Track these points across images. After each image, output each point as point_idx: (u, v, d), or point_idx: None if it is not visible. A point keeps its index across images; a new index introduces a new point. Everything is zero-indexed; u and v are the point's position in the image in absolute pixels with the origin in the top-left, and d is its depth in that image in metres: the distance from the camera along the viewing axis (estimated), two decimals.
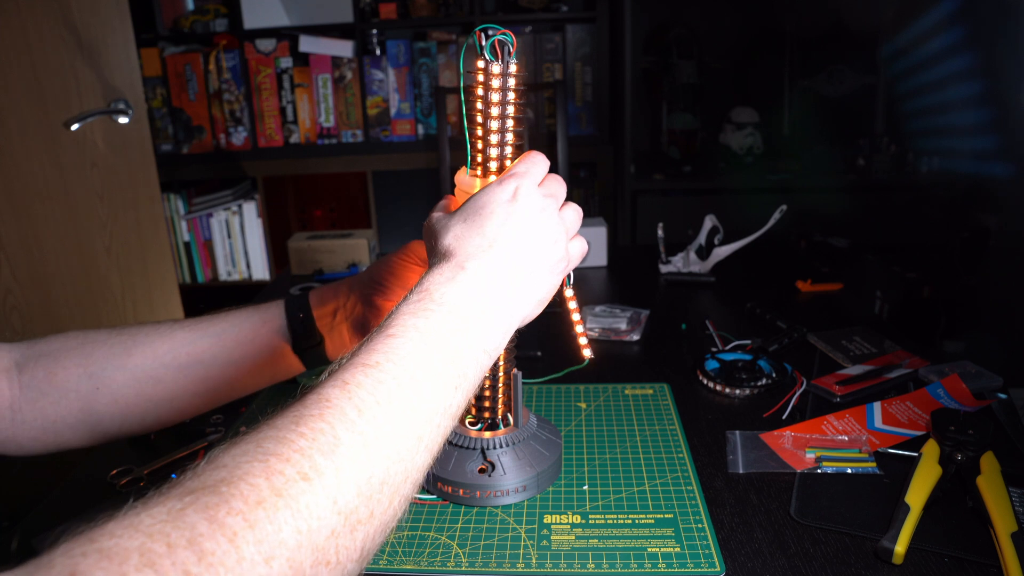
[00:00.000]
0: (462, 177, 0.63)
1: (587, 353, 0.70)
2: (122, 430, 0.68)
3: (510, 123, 0.61)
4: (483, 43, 0.57)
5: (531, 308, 0.55)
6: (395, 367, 0.43)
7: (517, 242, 0.53)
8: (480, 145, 0.61)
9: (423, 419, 0.44)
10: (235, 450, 0.37)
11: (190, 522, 0.32)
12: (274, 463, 0.36)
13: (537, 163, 0.58)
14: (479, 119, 0.61)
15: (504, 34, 0.57)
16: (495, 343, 0.51)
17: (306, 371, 0.90)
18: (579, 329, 0.70)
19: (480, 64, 0.59)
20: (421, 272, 0.66)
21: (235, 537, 0.32)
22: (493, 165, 0.62)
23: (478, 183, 0.62)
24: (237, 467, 0.35)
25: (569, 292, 0.68)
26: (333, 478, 0.37)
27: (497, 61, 0.58)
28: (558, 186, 0.58)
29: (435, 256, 0.54)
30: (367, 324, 0.73)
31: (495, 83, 0.59)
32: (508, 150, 0.62)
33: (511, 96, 0.60)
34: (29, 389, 0.64)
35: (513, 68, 0.59)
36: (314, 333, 0.72)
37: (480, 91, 0.60)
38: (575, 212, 0.58)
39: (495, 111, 0.60)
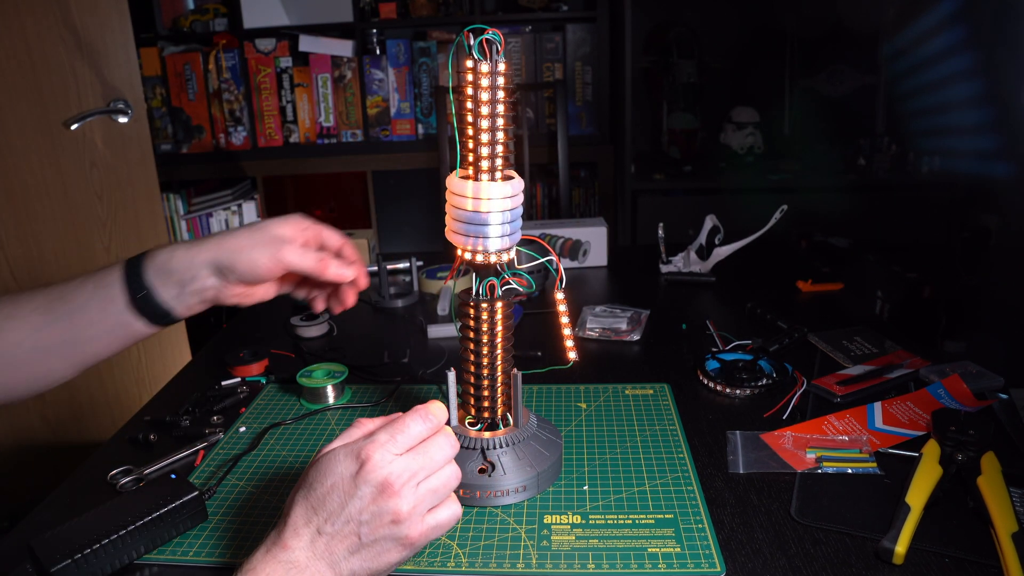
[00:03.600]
0: (451, 179, 0.64)
1: (572, 356, 0.71)
2: None
3: (500, 122, 0.61)
4: (471, 43, 0.58)
5: None
6: None
7: (351, 524, 0.52)
8: (471, 145, 0.62)
9: None
10: None
11: None
12: None
13: (407, 426, 0.55)
14: (469, 119, 0.61)
15: (492, 33, 0.58)
16: None
17: (302, 370, 0.90)
18: (567, 332, 0.71)
19: (469, 64, 0.59)
20: (284, 268, 0.70)
21: None
22: (484, 164, 0.62)
23: (470, 185, 0.62)
24: None
25: (560, 295, 0.69)
26: None
27: (485, 60, 0.58)
28: (437, 449, 0.55)
29: (282, 517, 0.54)
30: (219, 300, 0.72)
31: (484, 82, 0.59)
32: (499, 149, 0.62)
33: (500, 95, 0.60)
34: None
35: (501, 67, 0.59)
36: (160, 310, 0.70)
37: (469, 91, 0.60)
38: (442, 480, 0.55)
39: (485, 110, 0.60)
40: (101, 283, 0.69)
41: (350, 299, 0.78)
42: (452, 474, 0.56)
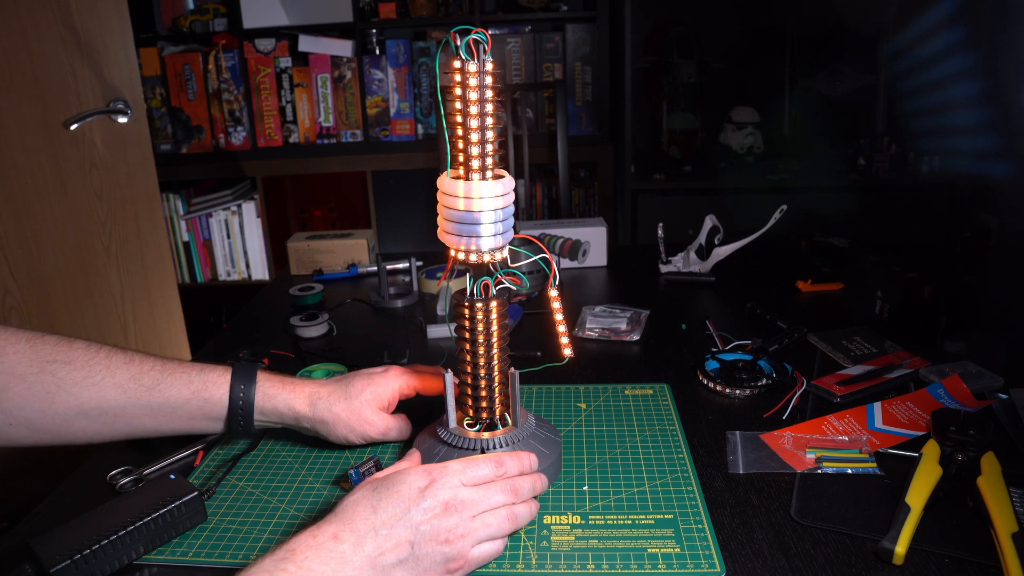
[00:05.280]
0: (442, 179, 0.64)
1: (567, 352, 0.72)
2: (26, 445, 0.70)
3: (489, 121, 0.61)
4: (458, 43, 0.58)
5: None
6: None
7: (409, 530, 0.55)
8: (461, 144, 0.62)
9: None
10: None
11: None
12: None
13: (479, 465, 0.60)
14: (458, 119, 0.61)
15: (478, 33, 0.58)
16: None
17: (301, 370, 0.90)
18: (561, 329, 0.71)
19: (456, 64, 0.59)
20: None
21: None
22: (475, 163, 0.62)
23: (461, 184, 0.62)
24: None
25: (553, 292, 0.69)
26: None
27: (473, 60, 0.59)
28: (496, 493, 0.59)
29: (336, 512, 0.56)
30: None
31: (472, 82, 0.60)
32: (489, 148, 0.62)
33: (488, 94, 0.60)
34: None
35: (489, 67, 0.59)
36: (249, 433, 0.76)
37: (457, 91, 0.61)
38: (496, 519, 0.59)
39: (474, 110, 0.60)
40: (202, 392, 0.72)
41: None
42: (504, 518, 0.59)
